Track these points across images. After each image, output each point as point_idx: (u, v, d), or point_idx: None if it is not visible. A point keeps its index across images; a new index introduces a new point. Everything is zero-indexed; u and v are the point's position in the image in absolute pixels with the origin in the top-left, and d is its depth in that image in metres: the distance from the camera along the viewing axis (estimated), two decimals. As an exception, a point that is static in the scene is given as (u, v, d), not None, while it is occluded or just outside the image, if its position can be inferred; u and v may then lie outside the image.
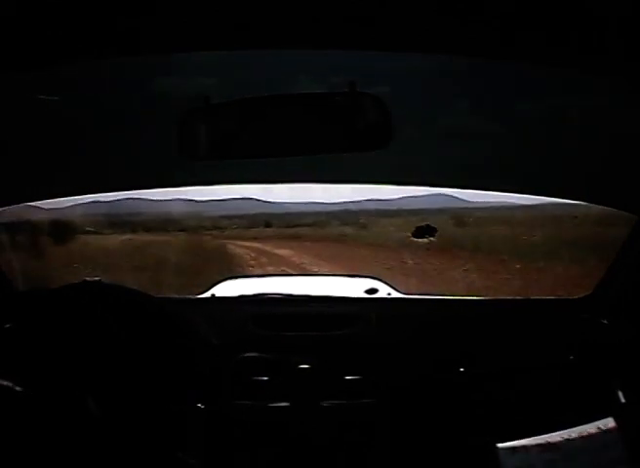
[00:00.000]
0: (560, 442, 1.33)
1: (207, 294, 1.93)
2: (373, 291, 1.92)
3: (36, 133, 1.38)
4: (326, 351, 1.63)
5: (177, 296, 2.21)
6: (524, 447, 1.33)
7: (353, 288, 1.95)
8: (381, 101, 1.11)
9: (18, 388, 1.09)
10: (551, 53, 1.03)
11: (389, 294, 1.92)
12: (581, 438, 1.33)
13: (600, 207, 1.80)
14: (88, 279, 1.33)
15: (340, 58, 1.18)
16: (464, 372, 1.61)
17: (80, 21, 0.93)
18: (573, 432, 1.34)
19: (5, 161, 1.44)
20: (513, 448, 1.33)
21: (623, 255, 1.67)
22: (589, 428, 1.35)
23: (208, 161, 1.31)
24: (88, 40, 0.99)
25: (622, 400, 1.49)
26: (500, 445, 1.33)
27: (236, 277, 2.19)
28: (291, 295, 1.82)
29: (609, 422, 1.35)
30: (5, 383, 1.09)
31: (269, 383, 1.57)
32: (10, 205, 1.74)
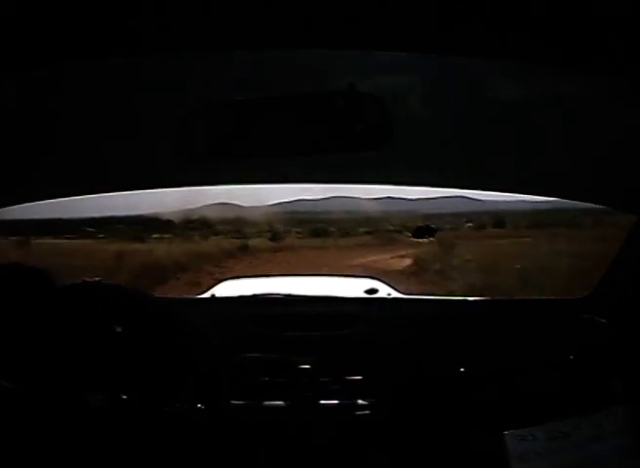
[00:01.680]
0: (569, 430, 1.32)
1: (207, 294, 1.93)
2: (373, 291, 1.92)
3: (36, 133, 1.38)
4: (326, 351, 1.63)
5: (177, 296, 2.21)
6: (532, 434, 1.32)
7: (353, 288, 1.95)
8: (381, 101, 1.11)
9: (18, 388, 1.09)
10: (551, 53, 1.03)
11: (389, 294, 1.93)
12: (590, 426, 1.33)
13: (600, 207, 1.80)
14: (88, 279, 1.33)
15: (339, 58, 1.18)
16: (464, 372, 1.61)
17: (80, 21, 0.93)
18: (582, 420, 1.34)
19: (5, 161, 1.44)
20: (521, 436, 1.32)
21: (623, 255, 1.67)
22: (598, 415, 1.34)
23: (208, 161, 1.31)
24: (88, 40, 0.99)
25: (622, 400, 1.49)
26: (507, 432, 1.33)
27: (236, 277, 2.19)
28: (291, 295, 1.82)
29: (620, 411, 1.35)
30: (5, 383, 1.09)
31: (269, 383, 1.57)
32: (10, 205, 1.74)
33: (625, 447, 1.31)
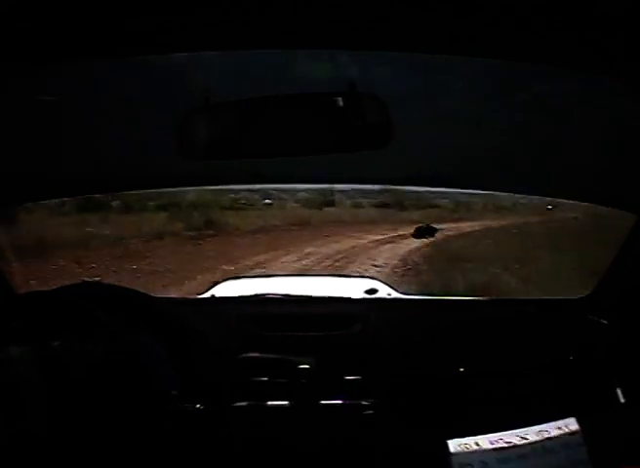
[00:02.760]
0: (516, 440, 1.29)
1: (207, 294, 1.93)
2: (372, 291, 1.92)
3: (36, 133, 1.38)
4: (326, 351, 1.63)
5: (177, 296, 2.21)
6: (477, 443, 1.30)
7: (353, 288, 1.95)
8: (381, 101, 1.11)
9: (19, 388, 1.09)
10: (551, 53, 1.03)
11: (389, 295, 1.92)
12: (540, 437, 1.30)
13: (600, 207, 1.80)
14: (87, 280, 1.33)
15: (339, 58, 1.18)
16: (464, 372, 1.61)
17: (80, 21, 0.93)
18: (530, 431, 1.30)
19: (5, 161, 1.44)
20: (465, 444, 1.30)
21: (623, 255, 1.67)
22: (549, 427, 1.31)
23: (208, 161, 1.31)
24: (88, 40, 0.99)
25: (622, 400, 1.49)
26: (451, 441, 1.30)
27: (236, 277, 2.19)
28: (291, 295, 1.81)
29: (570, 423, 1.32)
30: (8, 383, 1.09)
31: (269, 383, 1.57)
32: (10, 205, 1.74)
33: (577, 460, 1.26)
